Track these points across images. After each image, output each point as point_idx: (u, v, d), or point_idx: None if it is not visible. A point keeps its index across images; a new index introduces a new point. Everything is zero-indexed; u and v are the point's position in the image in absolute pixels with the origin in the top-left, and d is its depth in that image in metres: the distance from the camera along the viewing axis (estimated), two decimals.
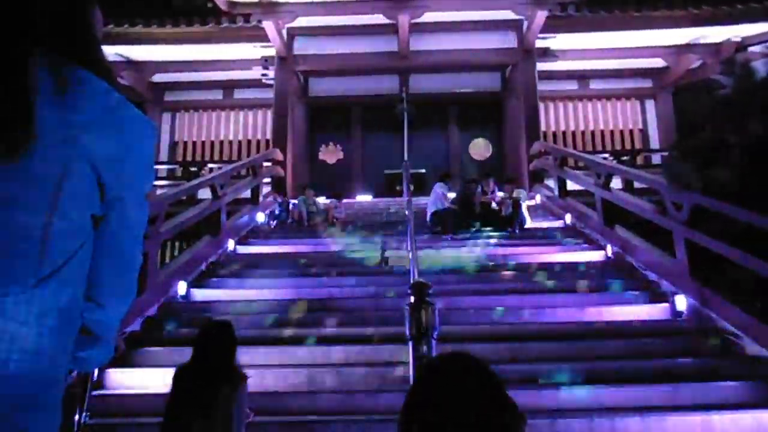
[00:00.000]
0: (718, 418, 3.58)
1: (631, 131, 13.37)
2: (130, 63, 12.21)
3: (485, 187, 8.94)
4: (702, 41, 11.75)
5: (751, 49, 11.50)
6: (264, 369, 4.17)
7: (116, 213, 1.06)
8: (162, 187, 11.47)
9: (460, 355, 1.08)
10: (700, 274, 5.03)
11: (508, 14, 11.18)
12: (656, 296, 5.41)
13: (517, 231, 8.12)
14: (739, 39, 11.44)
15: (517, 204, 8.29)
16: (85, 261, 1.02)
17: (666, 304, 5.19)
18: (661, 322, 5.02)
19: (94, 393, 4.12)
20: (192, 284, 6.08)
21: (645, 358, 4.36)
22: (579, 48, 12.16)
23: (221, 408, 2.48)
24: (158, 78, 13.03)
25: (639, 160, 12.27)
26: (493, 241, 7.73)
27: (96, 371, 4.18)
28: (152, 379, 4.25)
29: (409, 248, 5.42)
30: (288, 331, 4.86)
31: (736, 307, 4.48)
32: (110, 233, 1.07)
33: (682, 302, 5.04)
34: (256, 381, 3.85)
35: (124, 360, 4.58)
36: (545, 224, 8.61)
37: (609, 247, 6.73)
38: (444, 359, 1.10)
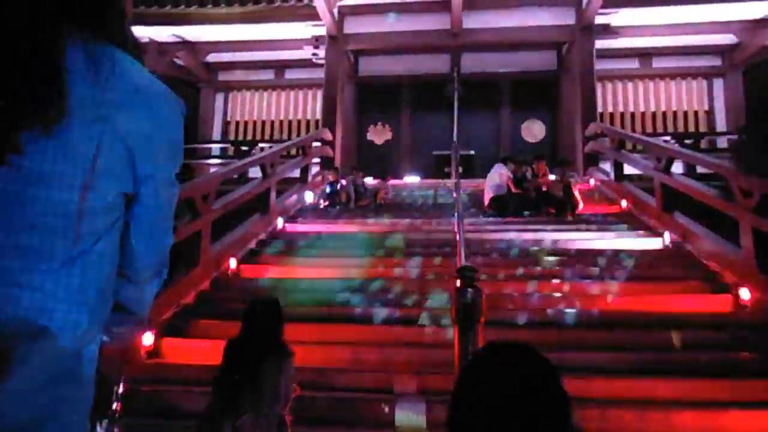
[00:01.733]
0: None
1: (696, 113, 12.61)
2: (185, 43, 12.52)
3: (537, 170, 8.68)
4: None
5: None
6: (311, 345, 4.25)
7: (148, 191, 1.07)
8: (214, 165, 11.82)
9: (512, 343, 1.04)
10: (767, 266, 4.72)
11: None
12: (718, 287, 5.12)
13: (569, 216, 7.87)
14: None
15: (569, 188, 8.02)
16: (117, 239, 1.05)
17: (729, 296, 4.91)
18: (722, 315, 4.76)
19: (151, 361, 4.34)
20: (242, 260, 6.24)
21: (704, 350, 4.16)
22: (642, 24, 11.49)
23: (267, 381, 2.54)
24: (212, 58, 13.32)
25: (703, 143, 11.57)
26: (545, 226, 7.53)
27: (152, 339, 4.40)
28: (203, 350, 4.41)
29: (457, 231, 5.34)
30: (334, 310, 4.93)
31: None
32: (142, 211, 1.08)
33: (746, 295, 4.76)
34: (303, 356, 3.94)
35: (179, 330, 4.78)
36: (600, 209, 8.30)
37: (667, 234, 6.42)
38: (495, 348, 1.06)
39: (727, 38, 11.94)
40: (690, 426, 3.42)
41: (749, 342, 4.20)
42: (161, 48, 12.45)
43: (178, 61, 13.09)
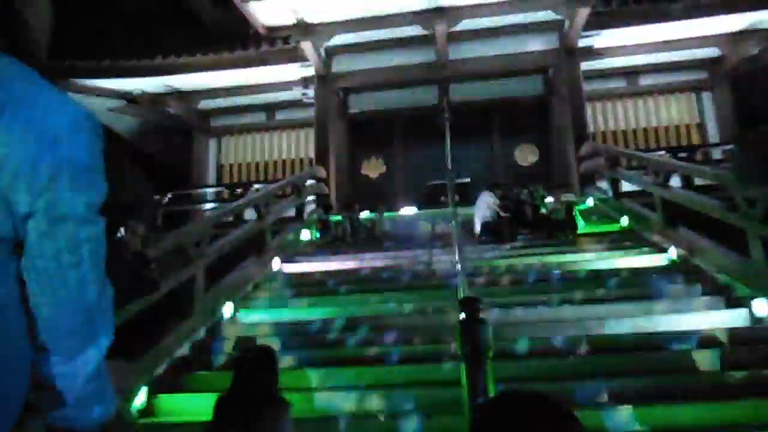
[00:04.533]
0: None
1: (687, 126, 12.64)
2: (177, 92, 12.66)
3: (534, 193, 8.58)
4: (761, 26, 11.01)
5: None
6: (310, 392, 4.03)
7: (33, 232, 0.86)
8: (209, 210, 11.73)
9: (525, 394, 0.88)
10: None
11: (548, 15, 10.84)
12: (732, 301, 4.94)
13: (570, 237, 7.73)
14: None
15: (570, 209, 7.91)
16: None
17: (744, 310, 4.72)
18: (740, 329, 4.55)
19: (144, 420, 4.11)
20: (238, 305, 6.05)
21: (725, 370, 3.94)
22: (625, 44, 11.63)
23: None
24: (204, 105, 13.42)
25: (698, 156, 11.54)
26: (546, 248, 7.38)
27: (144, 397, 4.18)
28: (202, 404, 4.18)
29: (456, 260, 5.18)
30: (335, 351, 4.72)
31: None
32: (28, 260, 0.87)
33: (762, 307, 4.57)
34: (303, 405, 3.73)
35: (174, 385, 4.55)
36: (600, 228, 8.16)
37: (673, 250, 6.26)
38: (507, 402, 0.90)
39: (711, 52, 12.08)
40: None
41: None
42: (154, 98, 12.56)
43: (171, 110, 13.17)
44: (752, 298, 4.71)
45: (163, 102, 12.76)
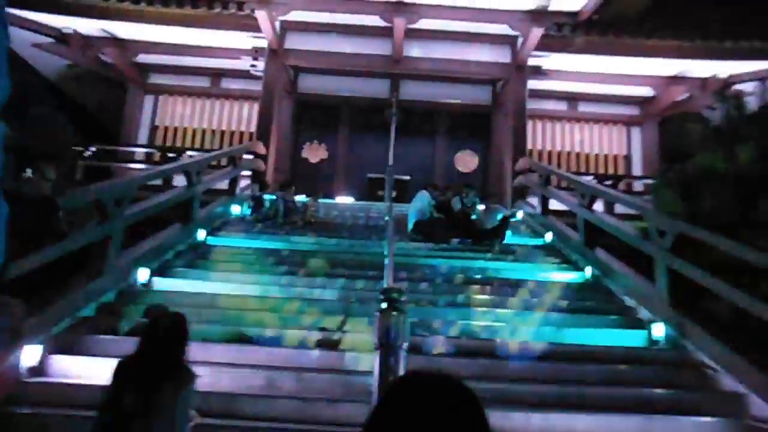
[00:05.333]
0: None
1: (615, 157, 13.44)
2: (114, 40, 11.82)
3: (465, 199, 8.77)
4: (690, 74, 11.88)
5: (735, 87, 11.66)
6: (219, 367, 3.91)
7: None
8: (137, 170, 11.10)
9: (433, 372, 0.89)
10: (679, 304, 4.92)
11: (504, 29, 11.12)
12: (633, 323, 5.29)
13: (496, 246, 7.98)
14: (726, 76, 11.59)
15: (505, 220, 8.19)
16: None
17: (643, 332, 5.07)
18: (637, 349, 4.89)
19: (34, 379, 3.83)
20: (155, 272, 5.77)
21: (619, 385, 4.22)
22: (570, 70, 12.19)
23: (162, 407, 2.24)
24: (143, 59, 12.67)
25: (622, 186, 12.29)
26: (472, 254, 7.59)
27: (39, 355, 3.90)
28: (102, 370, 3.94)
29: (386, 253, 5.21)
30: (248, 330, 4.60)
31: (715, 339, 4.37)
32: None
33: (659, 330, 4.94)
34: (210, 380, 3.61)
35: (73, 347, 4.27)
36: (525, 242, 8.49)
37: (588, 269, 6.63)
38: (415, 376, 0.91)
39: (645, 91, 12.91)
40: None
41: (661, 378, 4.31)
42: (87, 42, 11.68)
43: (105, 58, 12.33)
44: (652, 322, 5.07)
45: (97, 47, 11.90)
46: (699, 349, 4.54)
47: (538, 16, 10.50)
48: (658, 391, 4.10)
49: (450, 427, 0.83)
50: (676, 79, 12.13)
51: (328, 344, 4.46)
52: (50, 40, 11.31)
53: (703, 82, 11.78)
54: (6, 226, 0.87)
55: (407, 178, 12.43)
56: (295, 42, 11.86)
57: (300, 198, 9.74)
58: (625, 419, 3.77)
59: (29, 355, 3.84)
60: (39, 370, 3.93)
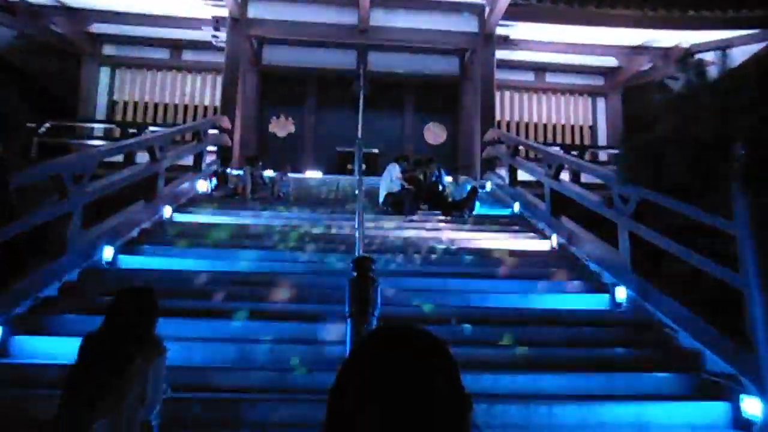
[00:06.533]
0: (651, 408, 3.61)
1: (581, 127, 13.65)
2: (63, 9, 11.21)
3: (428, 172, 8.79)
4: (653, 44, 12.07)
5: (697, 56, 11.90)
6: (190, 342, 3.88)
7: None
8: (96, 147, 10.71)
9: (401, 326, 0.89)
10: (641, 268, 5.09)
11: None
12: (597, 287, 5.46)
13: (466, 216, 8.08)
14: (687, 45, 11.81)
15: (474, 191, 8.28)
16: None
17: (606, 295, 5.25)
18: (600, 312, 5.06)
19: None
20: (120, 250, 5.64)
21: (583, 347, 4.36)
22: (538, 39, 12.22)
23: (132, 382, 2.21)
24: (96, 28, 12.09)
25: (587, 156, 12.52)
26: (441, 225, 7.66)
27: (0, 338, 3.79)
28: (66, 349, 3.86)
29: (357, 226, 5.20)
30: (219, 305, 4.56)
31: (674, 300, 4.55)
32: None
33: (622, 293, 5.11)
34: (180, 355, 3.58)
35: (35, 327, 4.16)
36: (494, 212, 8.60)
37: (554, 237, 6.78)
38: (384, 330, 0.91)
39: (610, 61, 13.07)
40: (570, 418, 3.55)
41: (623, 339, 4.48)
42: (34, 10, 11.04)
43: (55, 28, 11.71)
44: (615, 285, 5.24)
45: (46, 16, 11.28)
46: (659, 310, 4.72)
47: None
48: (620, 350, 4.26)
49: (421, 375, 0.82)
50: (639, 49, 12.31)
51: (300, 316, 4.46)
52: None
53: (666, 51, 11.98)
54: None
55: (376, 151, 12.36)
56: (258, 11, 11.51)
57: (268, 173, 9.61)
58: (588, 378, 3.92)
59: None
60: (1, 351, 3.83)
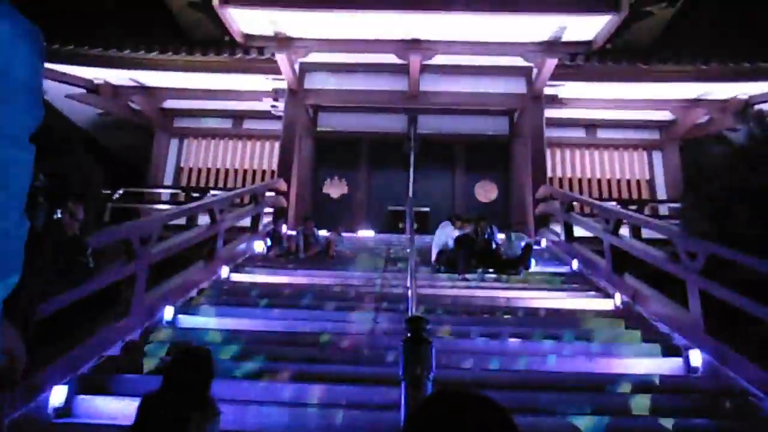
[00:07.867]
0: None
1: (638, 181, 13.27)
2: (142, 88, 12.34)
3: (480, 230, 8.68)
4: (710, 97, 11.80)
5: (757, 107, 11.51)
6: (245, 405, 3.87)
7: None
8: (163, 210, 11.34)
9: (463, 390, 0.86)
10: (715, 328, 4.74)
11: (518, 61, 11.24)
12: (669, 350, 5.09)
13: (522, 274, 7.87)
14: (746, 96, 11.47)
15: (528, 248, 8.11)
16: None
17: (679, 359, 4.87)
18: (674, 377, 4.68)
19: (61, 420, 3.83)
20: (180, 310, 5.81)
21: (658, 416, 4.03)
22: (587, 97, 12.21)
23: None
24: (169, 104, 13.14)
25: (647, 210, 12.09)
26: (497, 283, 7.48)
27: (64, 395, 3.91)
28: (128, 408, 3.94)
29: (409, 285, 5.16)
30: (271, 365, 4.56)
31: (756, 364, 4.18)
32: None
33: (696, 357, 4.73)
34: (234, 418, 3.57)
35: (99, 387, 4.28)
36: (551, 269, 8.34)
37: (618, 296, 6.45)
38: (444, 395, 0.88)
39: (664, 114, 12.82)
40: None
41: (702, 407, 4.11)
42: (117, 91, 12.20)
43: (134, 105, 12.81)
44: (688, 348, 4.87)
45: (126, 96, 12.41)
46: (741, 375, 4.33)
47: (550, 47, 10.62)
48: (699, 420, 3.90)
49: None
50: (695, 102, 12.05)
51: (353, 379, 4.38)
52: (82, 90, 11.84)
53: (724, 103, 11.67)
54: (24, 244, 0.88)
55: (427, 209, 12.43)
56: (313, 82, 12.18)
57: (322, 233, 9.79)
58: None
59: (56, 395, 3.85)
60: (66, 411, 3.94)
